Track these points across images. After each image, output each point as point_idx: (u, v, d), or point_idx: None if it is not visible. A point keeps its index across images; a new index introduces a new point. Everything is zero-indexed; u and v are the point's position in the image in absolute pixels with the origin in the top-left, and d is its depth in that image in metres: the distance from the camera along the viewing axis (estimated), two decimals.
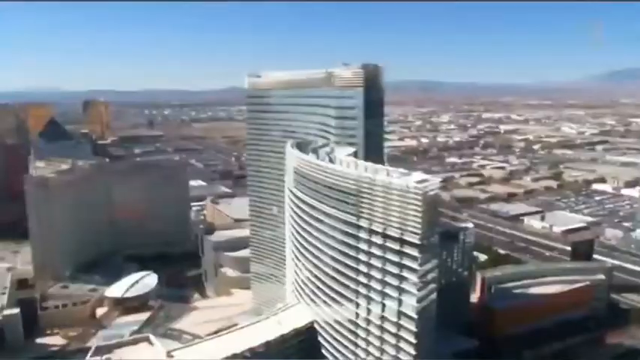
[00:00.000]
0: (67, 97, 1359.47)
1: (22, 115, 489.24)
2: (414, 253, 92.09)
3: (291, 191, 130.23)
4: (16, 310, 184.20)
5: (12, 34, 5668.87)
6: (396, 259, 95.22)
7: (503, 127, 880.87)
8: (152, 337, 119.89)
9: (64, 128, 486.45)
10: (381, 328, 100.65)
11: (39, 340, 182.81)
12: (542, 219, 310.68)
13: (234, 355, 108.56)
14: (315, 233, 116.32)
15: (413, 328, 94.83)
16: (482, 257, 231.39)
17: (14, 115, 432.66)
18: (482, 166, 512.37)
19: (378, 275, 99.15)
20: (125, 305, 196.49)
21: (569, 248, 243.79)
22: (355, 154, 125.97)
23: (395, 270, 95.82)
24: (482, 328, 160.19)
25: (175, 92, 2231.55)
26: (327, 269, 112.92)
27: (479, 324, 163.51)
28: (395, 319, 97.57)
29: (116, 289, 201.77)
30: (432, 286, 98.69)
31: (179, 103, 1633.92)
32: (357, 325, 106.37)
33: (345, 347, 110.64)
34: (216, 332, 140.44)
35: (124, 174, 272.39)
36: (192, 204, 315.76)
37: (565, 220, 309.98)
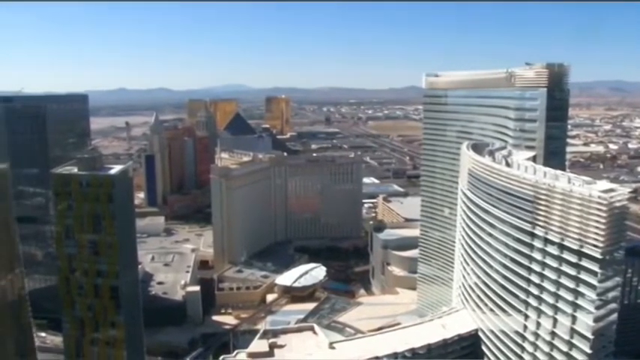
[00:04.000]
0: (252, 94, 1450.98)
1: (211, 109, 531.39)
2: (594, 267, 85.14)
3: (464, 193, 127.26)
4: (197, 288, 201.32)
5: (207, 35, 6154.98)
6: (572, 272, 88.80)
7: None
8: (316, 327, 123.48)
9: (247, 123, 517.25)
10: (551, 345, 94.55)
11: (214, 318, 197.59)
12: None
13: (395, 354, 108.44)
14: (486, 238, 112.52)
15: (587, 349, 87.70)
16: None
17: (205, 110, 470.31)
18: None
19: (552, 288, 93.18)
20: (293, 294, 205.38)
21: None
22: (534, 159, 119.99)
23: (571, 284, 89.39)
24: None
25: (353, 90, 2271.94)
26: (496, 276, 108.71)
27: None
28: (567, 337, 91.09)
29: (286, 278, 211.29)
30: (613, 305, 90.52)
31: (356, 101, 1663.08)
32: (524, 338, 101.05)
33: None
34: (378, 329, 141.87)
35: (301, 168, 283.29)
36: (365, 201, 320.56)
37: None
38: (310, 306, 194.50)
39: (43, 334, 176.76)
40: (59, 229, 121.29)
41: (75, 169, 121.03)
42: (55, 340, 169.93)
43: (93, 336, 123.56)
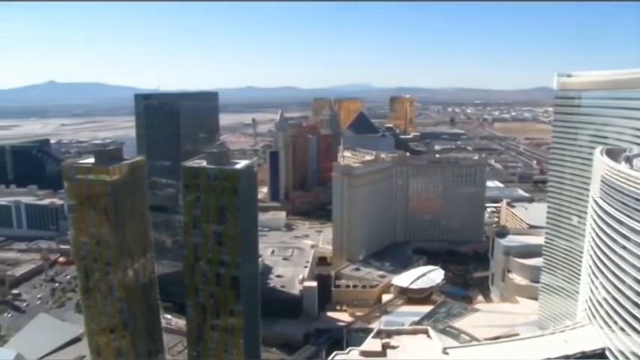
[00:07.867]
0: (376, 94, 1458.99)
1: (335, 108, 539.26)
2: None
3: (595, 202, 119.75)
4: (314, 283, 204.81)
5: (334, 35, 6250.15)
6: None
7: None
8: (431, 331, 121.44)
9: (370, 122, 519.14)
10: None
11: (329, 314, 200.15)
12: None
13: None
14: (619, 250, 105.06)
15: None
16: None
17: (329, 108, 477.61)
18: None
19: None
20: (409, 295, 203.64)
21: None
22: None
23: None
24: None
25: (479, 91, 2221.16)
26: (629, 293, 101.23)
27: None
28: None
29: (403, 279, 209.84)
30: None
31: (482, 102, 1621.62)
32: None
33: None
34: (495, 338, 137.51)
35: (423, 169, 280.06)
36: (487, 205, 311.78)
37: None
38: (426, 309, 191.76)
39: (169, 316, 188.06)
40: (187, 219, 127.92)
41: (204, 163, 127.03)
42: (179, 323, 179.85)
43: (213, 322, 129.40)
